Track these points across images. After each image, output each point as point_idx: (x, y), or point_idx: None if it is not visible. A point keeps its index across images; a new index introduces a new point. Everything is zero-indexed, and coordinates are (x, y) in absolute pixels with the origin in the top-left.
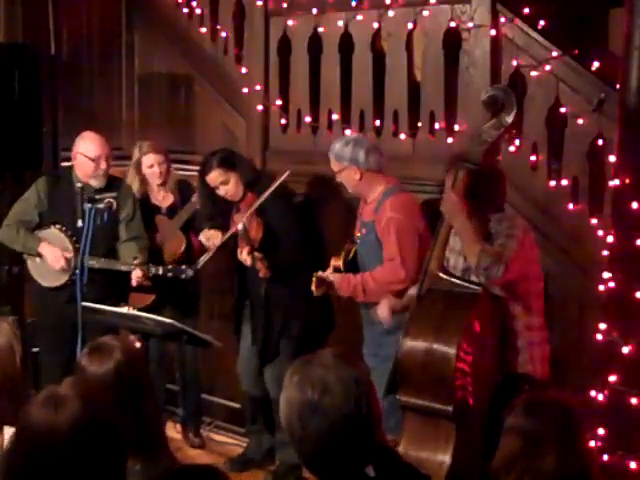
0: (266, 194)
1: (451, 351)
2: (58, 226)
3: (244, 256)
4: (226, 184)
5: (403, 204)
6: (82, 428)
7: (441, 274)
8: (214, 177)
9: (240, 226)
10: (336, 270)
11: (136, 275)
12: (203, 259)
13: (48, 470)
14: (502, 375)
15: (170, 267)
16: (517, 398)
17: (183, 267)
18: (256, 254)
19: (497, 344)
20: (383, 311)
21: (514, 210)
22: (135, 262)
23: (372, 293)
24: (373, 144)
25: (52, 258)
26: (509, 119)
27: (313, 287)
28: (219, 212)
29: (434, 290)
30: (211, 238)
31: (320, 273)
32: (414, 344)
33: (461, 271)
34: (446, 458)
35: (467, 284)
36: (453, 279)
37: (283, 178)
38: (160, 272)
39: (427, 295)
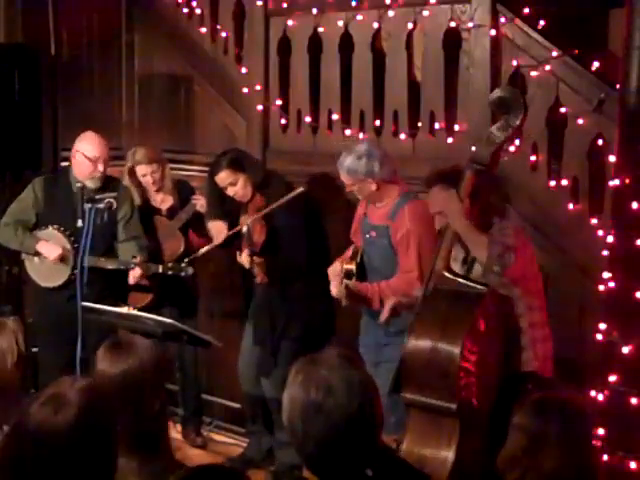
0: (274, 206)
1: (456, 349)
2: (56, 226)
3: (243, 258)
4: (234, 185)
5: (422, 214)
6: (77, 434)
7: (447, 274)
8: (223, 178)
9: (244, 228)
10: (348, 273)
11: (134, 274)
12: (204, 249)
13: (36, 466)
14: (507, 374)
15: (170, 265)
16: (527, 396)
17: (183, 265)
18: (255, 258)
19: (502, 343)
20: (384, 312)
21: (514, 210)
22: (135, 261)
23: None
24: (384, 152)
25: (49, 250)
26: (517, 121)
27: (343, 297)
28: (226, 212)
29: (440, 289)
30: (217, 229)
31: (349, 282)
32: (419, 342)
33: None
34: (450, 454)
35: (472, 284)
36: (459, 279)
37: (294, 195)
38: (160, 270)
39: (433, 294)
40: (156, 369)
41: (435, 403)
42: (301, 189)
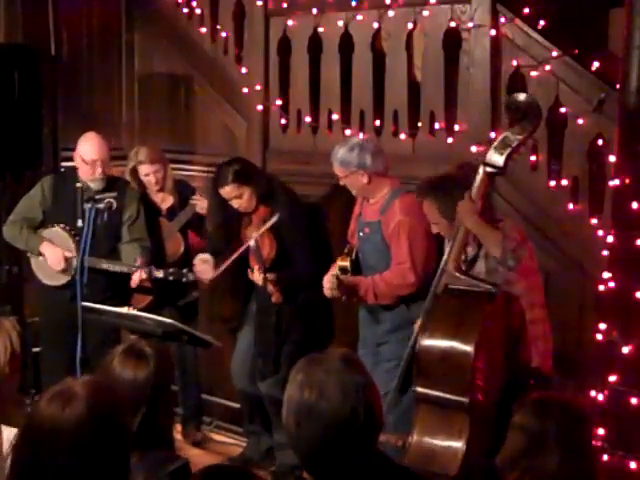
0: (274, 220)
1: (470, 347)
2: (62, 225)
3: (255, 276)
4: (240, 198)
5: (412, 206)
6: (86, 429)
7: (458, 274)
8: (228, 191)
9: (252, 242)
10: (343, 270)
11: (139, 277)
12: (211, 277)
13: (49, 466)
14: (511, 370)
15: (172, 270)
16: (527, 396)
17: (184, 271)
18: (269, 276)
19: (507, 340)
20: None
21: (514, 210)
22: (137, 264)
23: (383, 296)
24: (377, 146)
25: (53, 259)
26: (532, 127)
27: (334, 289)
28: (227, 218)
29: (452, 289)
30: (203, 273)
31: (340, 275)
32: (433, 339)
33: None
34: (461, 446)
35: (482, 284)
36: (469, 279)
37: (274, 221)
38: (161, 275)
39: (444, 293)
40: (170, 370)
41: (448, 397)
42: (277, 216)
